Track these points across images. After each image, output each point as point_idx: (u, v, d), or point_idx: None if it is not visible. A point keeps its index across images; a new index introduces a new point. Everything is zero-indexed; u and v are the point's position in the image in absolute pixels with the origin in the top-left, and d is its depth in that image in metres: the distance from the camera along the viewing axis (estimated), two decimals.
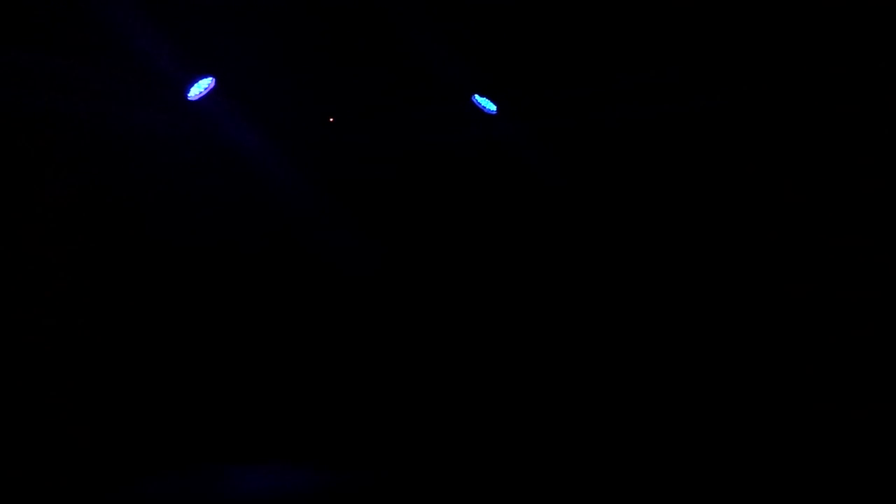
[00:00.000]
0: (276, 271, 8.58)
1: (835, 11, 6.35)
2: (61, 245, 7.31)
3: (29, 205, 7.13)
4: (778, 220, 7.11)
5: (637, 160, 7.75)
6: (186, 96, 7.47)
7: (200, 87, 7.47)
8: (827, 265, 6.89)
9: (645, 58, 7.15)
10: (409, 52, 7.42)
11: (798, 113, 6.98)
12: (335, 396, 8.43)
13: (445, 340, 8.38)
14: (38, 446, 7.04)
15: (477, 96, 7.76)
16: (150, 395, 7.82)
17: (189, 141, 8.03)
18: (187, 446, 7.92)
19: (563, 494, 7.15)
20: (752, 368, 7.17)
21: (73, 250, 7.41)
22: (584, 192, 7.96)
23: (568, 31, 7.08)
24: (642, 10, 6.73)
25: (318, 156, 8.51)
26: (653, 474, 7.20)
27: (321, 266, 8.67)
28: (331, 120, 8.42)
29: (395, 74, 7.82)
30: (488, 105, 7.80)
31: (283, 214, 8.62)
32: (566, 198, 8.06)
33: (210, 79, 7.47)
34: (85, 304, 7.45)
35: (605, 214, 7.90)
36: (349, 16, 7.21)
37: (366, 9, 7.07)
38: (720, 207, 7.39)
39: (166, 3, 6.70)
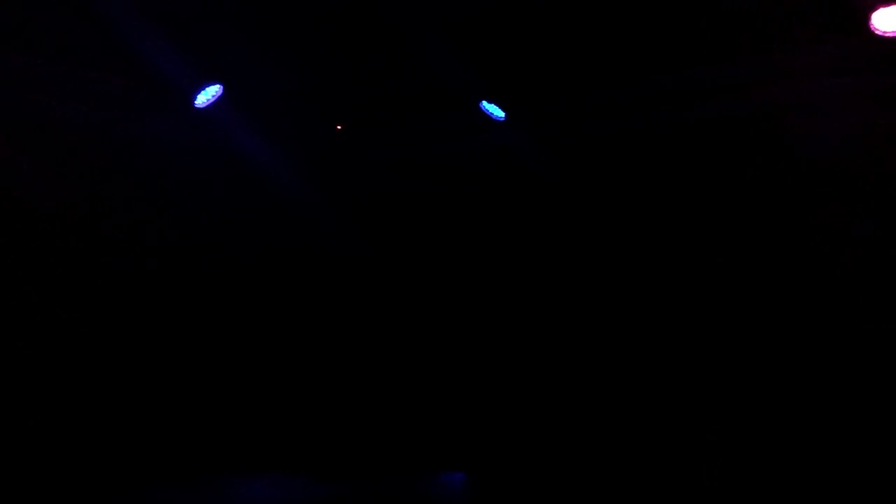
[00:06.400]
0: (280, 280, 8.49)
1: None
2: (61, 251, 7.23)
3: (30, 210, 7.06)
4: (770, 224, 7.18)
5: (643, 168, 7.75)
6: (194, 104, 7.41)
7: (208, 95, 7.42)
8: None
9: (658, 65, 7.15)
10: (417, 61, 7.40)
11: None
12: (335, 407, 8.36)
13: (447, 352, 8.34)
14: (39, 452, 6.97)
15: (485, 103, 7.70)
16: (152, 403, 7.74)
17: (195, 149, 7.98)
18: (189, 455, 7.84)
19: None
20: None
21: (74, 256, 7.33)
22: (590, 198, 7.93)
23: (575, 38, 7.07)
24: (649, 20, 6.73)
25: (324, 164, 8.46)
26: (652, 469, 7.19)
27: (325, 276, 8.60)
28: (338, 128, 8.38)
29: (404, 82, 7.80)
30: (496, 112, 7.75)
31: (289, 223, 8.55)
32: (572, 203, 8.02)
33: (218, 86, 7.42)
34: (85, 311, 7.37)
35: (610, 220, 7.88)
36: (357, 24, 7.20)
37: (374, 17, 7.06)
38: (720, 214, 7.42)
39: (174, 10, 6.66)
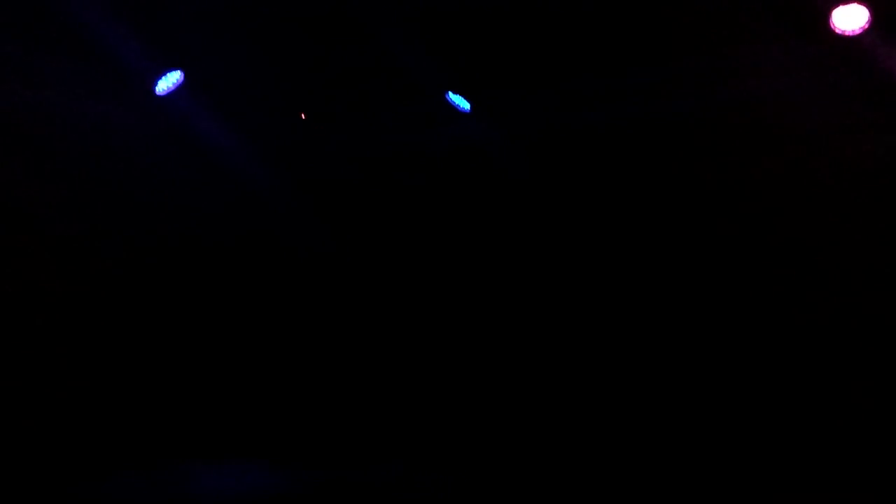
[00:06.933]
0: (243, 270, 8.44)
1: None
2: (19, 245, 7.17)
3: None
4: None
5: (608, 162, 7.77)
6: (154, 91, 7.31)
7: (168, 82, 7.32)
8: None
9: (620, 60, 7.12)
10: (382, 49, 7.36)
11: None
12: (304, 395, 8.31)
13: (413, 340, 8.29)
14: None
15: (451, 94, 7.64)
16: (111, 391, 7.68)
17: (155, 137, 7.90)
18: (156, 443, 7.78)
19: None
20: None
21: (24, 245, 7.25)
22: (556, 192, 7.91)
23: (543, 30, 7.04)
24: (617, 13, 6.70)
25: (288, 153, 8.41)
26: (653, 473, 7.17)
27: (291, 264, 8.56)
28: (302, 117, 8.33)
29: (369, 71, 7.75)
30: (462, 103, 7.69)
31: (253, 213, 8.49)
32: (537, 196, 8.00)
33: (178, 73, 7.32)
34: (37, 302, 7.31)
35: (576, 214, 7.88)
36: (321, 13, 7.14)
37: (339, 6, 7.01)
38: (689, 211, 7.46)
39: None
